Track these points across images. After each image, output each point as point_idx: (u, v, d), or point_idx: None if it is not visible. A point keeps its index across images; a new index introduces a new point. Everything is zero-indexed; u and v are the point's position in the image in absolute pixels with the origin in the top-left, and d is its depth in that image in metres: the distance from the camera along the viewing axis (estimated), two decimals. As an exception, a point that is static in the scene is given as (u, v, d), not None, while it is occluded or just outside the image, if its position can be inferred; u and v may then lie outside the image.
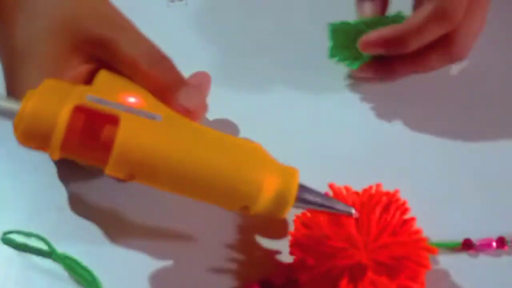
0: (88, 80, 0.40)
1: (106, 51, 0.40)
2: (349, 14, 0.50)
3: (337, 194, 0.43)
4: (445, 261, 0.43)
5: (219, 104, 0.49)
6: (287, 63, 0.52)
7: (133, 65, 0.40)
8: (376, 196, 0.42)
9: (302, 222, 0.42)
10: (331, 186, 0.43)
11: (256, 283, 0.42)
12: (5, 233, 0.43)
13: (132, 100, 0.38)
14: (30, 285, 0.42)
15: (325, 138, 0.48)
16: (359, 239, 0.40)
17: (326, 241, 0.41)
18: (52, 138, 0.35)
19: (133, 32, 0.41)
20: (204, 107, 0.42)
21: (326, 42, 0.50)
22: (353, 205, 0.41)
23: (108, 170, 0.36)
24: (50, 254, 0.42)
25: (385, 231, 0.41)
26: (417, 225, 0.42)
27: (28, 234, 0.42)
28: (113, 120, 0.36)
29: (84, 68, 0.40)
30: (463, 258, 0.43)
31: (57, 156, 0.36)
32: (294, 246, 0.42)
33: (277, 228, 0.44)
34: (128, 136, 0.36)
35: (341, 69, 0.51)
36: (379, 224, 0.41)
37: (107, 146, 0.36)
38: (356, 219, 0.41)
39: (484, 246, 0.43)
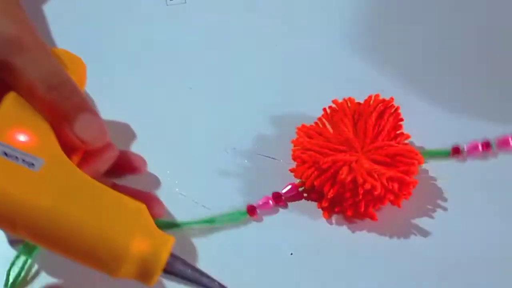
0: None
1: (6, 74, 0.38)
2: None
3: (341, 107, 0.46)
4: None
5: (219, 100, 0.49)
6: (288, 61, 0.52)
7: (30, 90, 0.38)
8: (374, 104, 0.46)
9: (305, 132, 0.46)
10: (335, 102, 0.46)
11: (269, 196, 0.44)
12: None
13: (21, 137, 0.37)
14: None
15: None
16: (356, 142, 0.44)
17: (327, 144, 0.44)
18: None
19: (35, 54, 0.39)
20: (102, 138, 0.40)
21: (328, 38, 0.51)
22: (353, 114, 0.46)
23: None
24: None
25: (380, 135, 0.45)
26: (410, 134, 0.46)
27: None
28: None
29: None
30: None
31: None
32: (297, 153, 0.45)
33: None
34: None
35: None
36: (375, 128, 0.45)
37: None
38: (354, 126, 0.45)
39: (471, 150, 0.46)
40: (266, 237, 0.44)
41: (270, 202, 0.44)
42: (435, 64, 0.51)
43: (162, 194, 0.45)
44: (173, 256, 0.36)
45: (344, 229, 0.44)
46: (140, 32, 0.53)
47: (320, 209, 0.44)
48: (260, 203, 0.44)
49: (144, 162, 0.45)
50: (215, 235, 0.44)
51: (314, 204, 0.44)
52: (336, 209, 0.44)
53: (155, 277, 0.35)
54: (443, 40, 0.53)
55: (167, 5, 0.55)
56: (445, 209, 0.44)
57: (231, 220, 0.44)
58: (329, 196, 0.43)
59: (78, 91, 0.39)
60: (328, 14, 0.54)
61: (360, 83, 0.49)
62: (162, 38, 0.53)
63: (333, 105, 0.46)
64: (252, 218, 0.44)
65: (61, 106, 0.38)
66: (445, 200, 0.45)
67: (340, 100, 0.46)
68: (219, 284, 0.37)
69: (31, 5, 0.51)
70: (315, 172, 0.44)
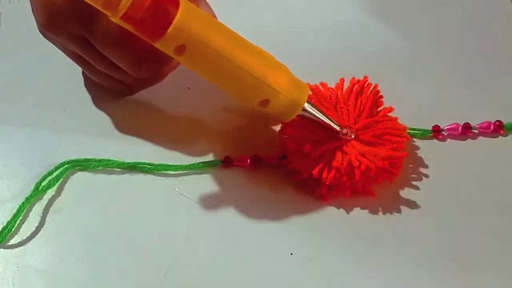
0: None
1: None
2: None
3: (315, 91, 0.47)
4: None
5: (218, 100, 0.49)
6: (288, 61, 0.51)
7: None
8: (350, 86, 0.48)
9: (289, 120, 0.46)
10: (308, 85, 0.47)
11: (248, 155, 0.47)
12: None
13: None
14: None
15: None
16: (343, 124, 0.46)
17: (315, 131, 0.45)
18: (122, 2, 0.39)
19: None
20: None
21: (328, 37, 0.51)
22: (330, 98, 0.47)
23: (163, 41, 0.41)
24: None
25: (363, 113, 0.46)
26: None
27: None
28: (174, 2, 0.41)
29: None
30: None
31: (117, 19, 0.39)
32: (289, 143, 0.46)
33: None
34: (187, 14, 0.41)
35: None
36: (356, 108, 0.47)
37: (166, 22, 0.40)
38: (335, 110, 0.47)
39: (451, 131, 0.48)
40: (266, 237, 0.44)
41: (248, 160, 0.47)
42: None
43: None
44: (308, 100, 0.44)
45: (343, 228, 0.44)
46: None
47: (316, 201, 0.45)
48: (239, 158, 0.47)
49: None
50: (215, 233, 0.44)
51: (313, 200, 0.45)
52: (334, 193, 0.45)
53: (296, 113, 0.44)
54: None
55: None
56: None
57: (207, 165, 0.47)
58: (327, 183, 0.44)
59: None
60: (326, 14, 0.55)
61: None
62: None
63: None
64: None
65: None
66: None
67: (312, 84, 0.48)
68: (335, 122, 0.45)
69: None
70: (311, 162, 0.44)
